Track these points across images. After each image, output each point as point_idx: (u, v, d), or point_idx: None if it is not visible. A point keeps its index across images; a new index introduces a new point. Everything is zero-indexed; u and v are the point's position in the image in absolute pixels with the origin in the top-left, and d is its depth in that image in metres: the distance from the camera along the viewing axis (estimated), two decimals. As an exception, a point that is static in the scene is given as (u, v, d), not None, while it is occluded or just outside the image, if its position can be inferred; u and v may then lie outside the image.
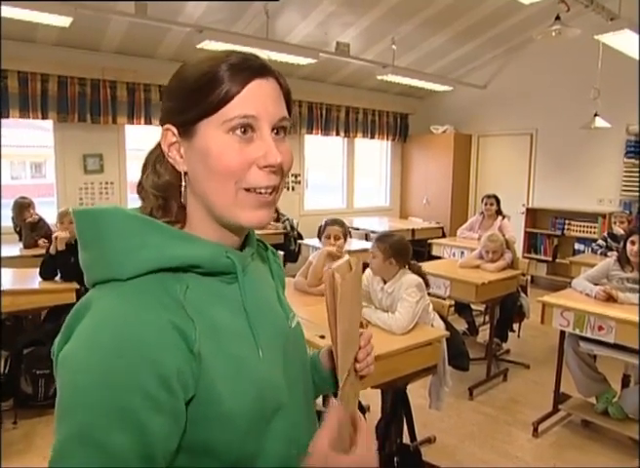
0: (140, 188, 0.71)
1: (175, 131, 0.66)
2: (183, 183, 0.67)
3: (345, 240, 3.16)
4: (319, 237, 3.16)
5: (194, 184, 0.66)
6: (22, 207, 4.31)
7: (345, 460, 0.63)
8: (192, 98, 0.63)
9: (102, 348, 0.54)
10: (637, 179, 5.64)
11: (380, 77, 5.75)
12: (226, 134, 0.63)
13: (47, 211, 4.76)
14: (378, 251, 2.57)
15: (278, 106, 0.66)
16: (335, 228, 3.08)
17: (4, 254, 4.01)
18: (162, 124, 0.68)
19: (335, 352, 0.69)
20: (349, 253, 4.65)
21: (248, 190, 0.64)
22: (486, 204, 5.09)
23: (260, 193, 0.65)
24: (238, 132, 0.63)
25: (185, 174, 0.67)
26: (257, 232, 0.79)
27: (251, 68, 0.64)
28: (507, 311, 3.90)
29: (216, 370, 0.60)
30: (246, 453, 0.62)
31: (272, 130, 0.65)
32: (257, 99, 0.63)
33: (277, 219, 5.68)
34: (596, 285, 3.02)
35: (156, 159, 0.71)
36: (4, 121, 4.61)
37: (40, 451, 2.68)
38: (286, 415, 0.68)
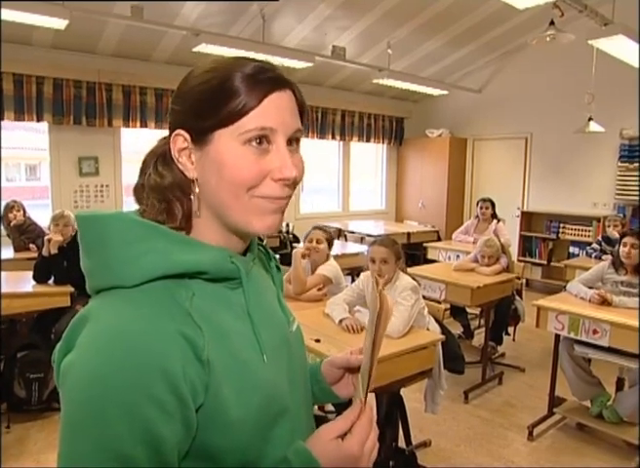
0: (140, 191, 0.69)
1: (187, 136, 0.64)
2: (197, 190, 0.66)
3: (330, 245, 3.18)
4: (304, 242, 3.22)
5: (205, 191, 0.65)
6: (7, 209, 4.26)
7: (340, 446, 0.64)
8: (209, 107, 0.62)
9: (111, 358, 0.53)
10: (631, 183, 5.67)
11: (375, 81, 5.77)
12: (243, 145, 0.62)
13: (42, 213, 4.74)
14: (391, 255, 2.54)
15: (294, 118, 0.66)
16: (316, 232, 3.14)
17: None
18: (172, 128, 0.66)
19: (371, 371, 0.68)
20: (342, 256, 4.66)
21: (262, 197, 0.64)
22: (481, 207, 5.10)
23: (274, 200, 0.65)
24: (254, 143, 0.62)
25: (195, 180, 0.66)
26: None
27: (270, 80, 0.63)
28: (502, 314, 3.91)
29: (223, 376, 0.59)
30: (249, 458, 0.62)
31: (287, 141, 0.65)
32: (275, 112, 0.63)
33: None
34: (591, 288, 3.04)
35: (157, 161, 0.69)
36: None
37: (34, 457, 2.67)
38: (288, 420, 0.68)
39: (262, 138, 0.63)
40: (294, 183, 0.66)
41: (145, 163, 0.71)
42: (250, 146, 0.62)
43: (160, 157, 0.69)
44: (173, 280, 0.61)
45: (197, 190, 0.66)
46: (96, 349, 0.55)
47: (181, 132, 0.65)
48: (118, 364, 0.53)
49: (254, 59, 0.65)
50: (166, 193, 0.67)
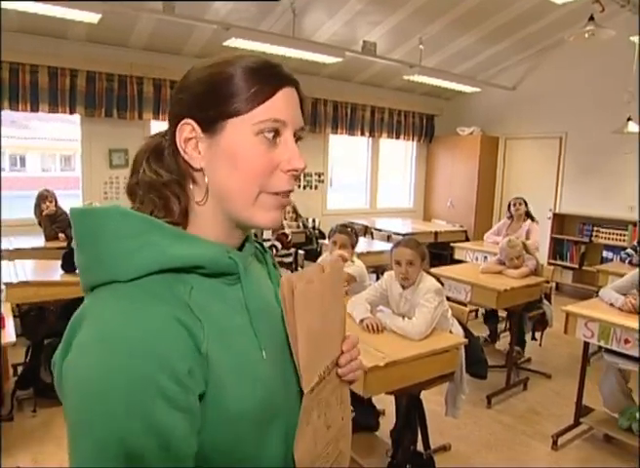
0: (134, 189, 0.69)
1: (195, 125, 0.64)
2: (206, 180, 0.65)
3: (353, 248, 3.20)
4: (329, 238, 3.27)
5: (213, 182, 0.65)
6: (40, 199, 4.39)
7: None
8: (222, 95, 0.63)
9: (112, 352, 0.53)
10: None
11: (406, 77, 5.69)
12: (255, 135, 0.63)
13: (73, 203, 4.84)
14: (417, 257, 2.49)
15: (299, 115, 0.68)
16: (341, 236, 3.14)
17: (28, 246, 4.11)
18: (177, 117, 0.65)
19: (295, 357, 0.67)
20: (367, 254, 4.62)
21: (270, 194, 0.65)
22: (514, 204, 4.97)
23: (280, 196, 0.66)
24: (267, 134, 0.63)
25: (200, 170, 0.65)
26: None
27: (281, 75, 0.66)
28: (522, 320, 3.82)
29: (223, 371, 0.59)
30: (247, 455, 0.62)
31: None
32: (286, 106, 0.65)
33: (295, 219, 5.69)
34: (624, 295, 2.92)
35: (149, 157, 0.69)
36: (35, 114, 4.76)
37: (58, 440, 2.73)
38: (283, 417, 0.67)
39: (274, 131, 0.64)
40: (297, 176, 0.68)
41: (137, 161, 0.70)
42: (261, 137, 0.63)
43: (152, 153, 0.69)
44: (170, 274, 0.60)
45: (206, 180, 0.65)
46: (93, 348, 0.54)
47: (189, 121, 0.64)
48: (119, 358, 0.52)
49: (261, 57, 0.67)
50: (163, 189, 0.67)
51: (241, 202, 0.64)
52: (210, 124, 0.63)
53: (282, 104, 0.64)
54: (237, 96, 0.62)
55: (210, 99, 0.63)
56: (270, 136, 0.63)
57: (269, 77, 0.64)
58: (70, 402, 0.54)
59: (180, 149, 0.65)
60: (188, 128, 0.64)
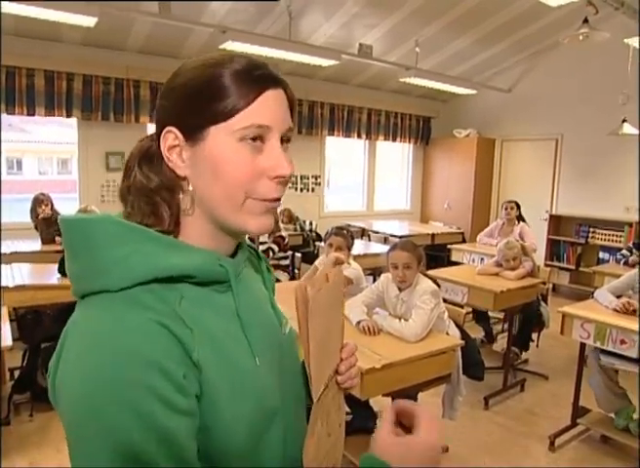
0: (126, 193, 0.68)
1: (178, 133, 0.63)
2: (190, 188, 0.64)
3: (349, 250, 3.19)
4: (324, 241, 3.23)
5: (197, 190, 0.64)
6: (36, 202, 4.38)
7: (410, 441, 0.66)
8: (203, 102, 0.61)
9: (103, 364, 0.52)
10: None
11: (402, 79, 5.70)
12: (238, 142, 0.61)
13: (71, 207, 4.83)
14: (414, 260, 2.50)
15: (287, 116, 0.66)
16: (337, 239, 3.13)
17: (24, 250, 4.10)
18: (161, 124, 0.64)
19: (307, 366, 0.68)
20: (364, 256, 4.62)
21: (256, 200, 0.64)
22: (505, 208, 4.99)
23: (268, 202, 0.65)
24: (250, 141, 0.62)
25: (185, 178, 0.64)
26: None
27: (264, 77, 0.63)
28: (528, 320, 3.82)
29: (215, 380, 0.59)
30: (243, 459, 0.62)
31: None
32: (271, 109, 0.63)
33: (290, 221, 5.69)
34: (619, 297, 2.93)
35: (141, 161, 0.68)
36: (32, 118, 4.73)
37: (55, 444, 2.73)
38: (280, 421, 0.67)
39: (258, 137, 0.62)
40: (286, 182, 0.66)
41: (129, 164, 0.69)
42: (245, 143, 0.62)
43: (143, 157, 0.68)
44: (160, 284, 0.59)
45: (190, 188, 0.64)
46: (83, 362, 0.54)
47: (172, 129, 0.63)
48: (110, 372, 0.52)
49: (246, 56, 0.65)
50: (152, 195, 0.65)
51: (226, 209, 0.63)
52: (192, 131, 0.62)
53: (265, 108, 0.62)
54: (218, 101, 0.61)
55: (191, 106, 0.62)
56: (254, 141, 0.62)
57: (251, 80, 0.62)
58: (68, 419, 0.54)
59: (165, 157, 0.64)
60: (171, 136, 0.63)
